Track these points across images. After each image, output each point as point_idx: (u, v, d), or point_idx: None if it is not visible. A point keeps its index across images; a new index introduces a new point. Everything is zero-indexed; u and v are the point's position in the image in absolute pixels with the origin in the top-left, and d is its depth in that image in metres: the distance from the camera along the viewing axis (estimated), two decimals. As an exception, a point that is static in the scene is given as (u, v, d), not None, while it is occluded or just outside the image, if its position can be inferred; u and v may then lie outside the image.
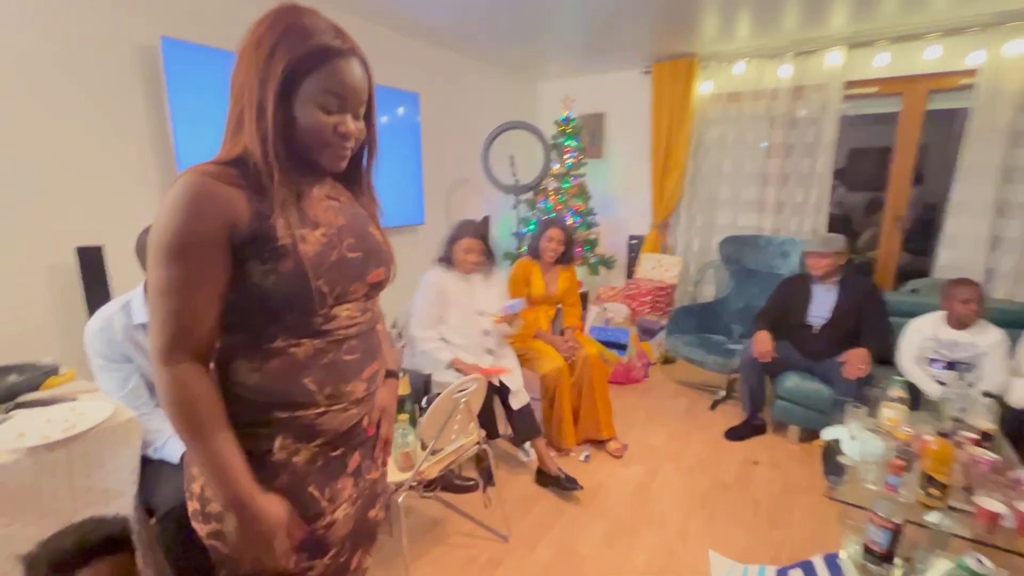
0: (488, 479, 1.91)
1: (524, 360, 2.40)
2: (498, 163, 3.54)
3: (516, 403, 2.15)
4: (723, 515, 2.02)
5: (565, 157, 3.70)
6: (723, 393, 3.09)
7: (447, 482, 2.05)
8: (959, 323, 2.20)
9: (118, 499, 1.17)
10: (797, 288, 2.67)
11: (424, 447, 1.57)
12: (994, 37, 2.74)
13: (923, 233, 3.97)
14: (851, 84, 3.19)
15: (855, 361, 2.31)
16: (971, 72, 2.85)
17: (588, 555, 1.80)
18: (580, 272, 3.72)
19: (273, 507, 0.73)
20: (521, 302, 2.26)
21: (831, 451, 1.78)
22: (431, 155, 3.36)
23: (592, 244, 3.82)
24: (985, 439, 1.58)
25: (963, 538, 1.28)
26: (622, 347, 3.24)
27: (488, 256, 2.28)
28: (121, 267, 1.85)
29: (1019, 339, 2.22)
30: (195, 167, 0.69)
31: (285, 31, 0.69)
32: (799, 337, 2.61)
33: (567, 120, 3.72)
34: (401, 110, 3.08)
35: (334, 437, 0.81)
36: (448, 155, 3.58)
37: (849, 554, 1.38)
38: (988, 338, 2.14)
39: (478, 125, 3.70)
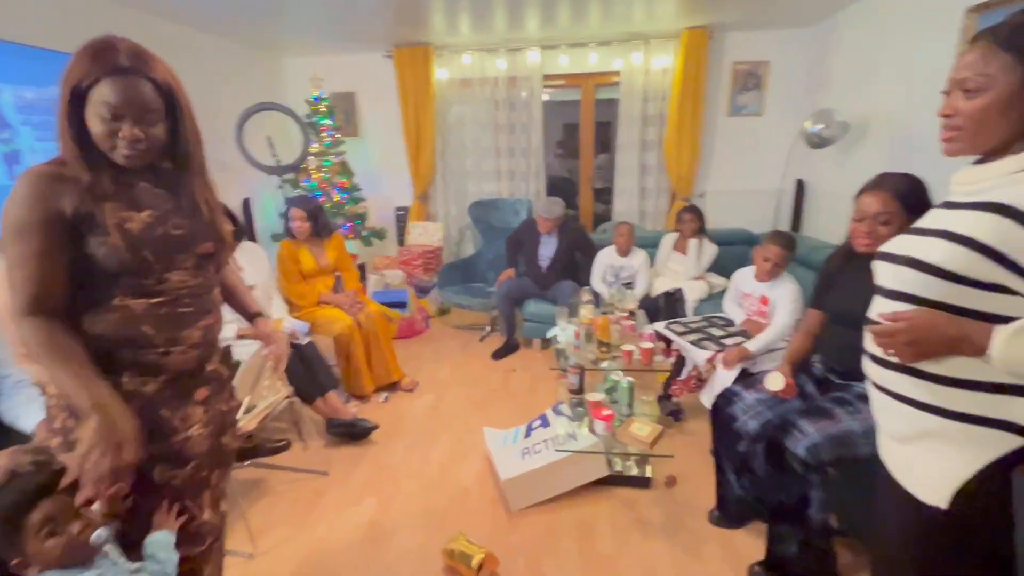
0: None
1: (315, 327, 2.65)
2: (255, 145, 3.50)
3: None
4: (494, 410, 2.71)
5: (322, 136, 3.85)
6: (488, 328, 3.85)
7: (260, 448, 2.22)
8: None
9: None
10: (528, 236, 3.50)
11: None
12: (626, 49, 3.95)
13: (607, 189, 5.43)
14: (548, 77, 4.16)
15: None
16: (617, 73, 4.05)
17: (398, 464, 2.26)
18: (355, 245, 4.00)
19: (128, 414, 0.91)
20: (305, 326, 2.48)
21: (556, 347, 2.58)
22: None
23: (362, 218, 4.11)
24: (630, 315, 2.55)
25: (617, 369, 2.14)
26: (403, 305, 3.70)
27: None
28: None
29: (656, 254, 3.44)
30: (32, 167, 0.88)
31: (80, 55, 0.87)
32: (534, 274, 3.48)
33: (319, 99, 3.85)
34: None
35: (178, 374, 1.01)
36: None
37: (562, 398, 2.14)
38: (637, 260, 3.26)
39: (225, 105, 3.54)
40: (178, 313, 0.98)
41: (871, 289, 1.39)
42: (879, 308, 0.84)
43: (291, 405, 2.10)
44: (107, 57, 0.87)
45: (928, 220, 0.83)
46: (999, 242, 0.69)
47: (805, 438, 1.39)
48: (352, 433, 2.38)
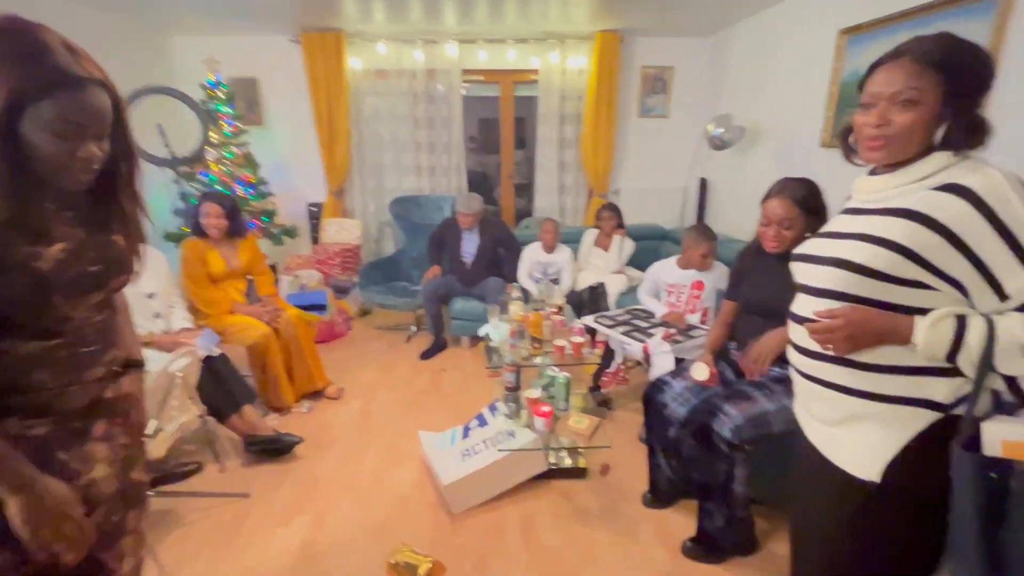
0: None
1: (226, 336, 2.42)
2: (143, 134, 3.09)
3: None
4: (426, 412, 2.65)
5: (222, 125, 3.51)
6: (414, 328, 3.76)
7: (169, 474, 1.99)
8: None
9: None
10: (450, 233, 3.46)
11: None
12: (542, 48, 4.02)
13: (530, 185, 5.51)
14: (467, 72, 4.11)
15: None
16: (535, 71, 4.11)
17: (328, 477, 2.13)
18: (264, 244, 3.70)
19: (55, 483, 0.78)
20: (213, 336, 2.23)
21: (488, 345, 2.58)
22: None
23: (270, 214, 3.81)
24: (559, 311, 2.62)
25: (551, 364, 2.19)
26: (322, 307, 3.49)
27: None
28: None
29: (578, 250, 3.55)
30: None
31: (9, 54, 0.68)
32: (458, 271, 3.44)
33: (216, 84, 3.50)
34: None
35: (72, 412, 0.84)
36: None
37: (498, 397, 2.15)
38: (563, 256, 3.34)
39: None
40: (80, 354, 0.83)
41: (778, 283, 1.55)
42: (808, 306, 0.93)
43: (204, 424, 1.90)
44: (51, 61, 0.70)
45: (841, 225, 0.94)
46: (913, 244, 0.79)
47: (730, 420, 1.52)
48: (274, 449, 2.21)
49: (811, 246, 0.98)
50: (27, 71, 0.69)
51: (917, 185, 0.83)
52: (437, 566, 1.58)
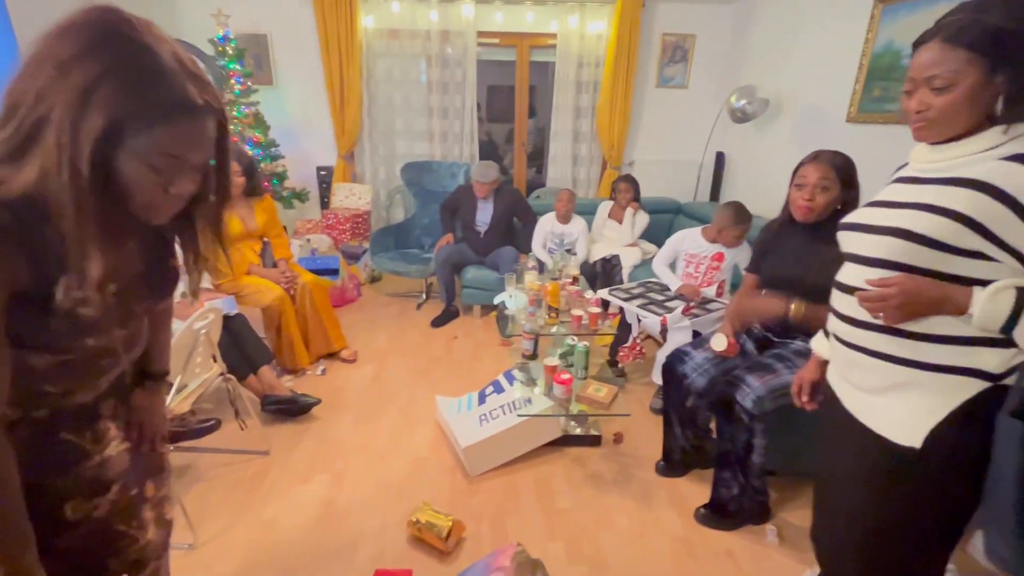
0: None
1: (241, 298, 2.41)
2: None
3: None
4: (438, 378, 2.67)
5: (231, 83, 3.43)
6: (424, 296, 3.75)
7: (187, 430, 2.01)
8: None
9: None
10: (464, 201, 3.42)
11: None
12: (562, 11, 3.89)
13: (539, 155, 5.43)
14: (482, 34, 3.99)
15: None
16: (553, 35, 3.99)
17: (345, 438, 2.17)
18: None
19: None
20: (230, 299, 2.22)
21: (501, 313, 2.58)
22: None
23: (281, 177, 3.76)
24: (574, 281, 2.61)
25: (567, 333, 2.19)
26: (334, 272, 3.48)
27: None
28: None
29: (593, 222, 3.52)
30: None
31: (114, 67, 0.56)
32: (471, 239, 3.42)
33: (224, 39, 3.41)
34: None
35: (80, 404, 0.78)
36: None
37: (512, 365, 2.16)
38: (578, 227, 3.31)
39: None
40: (97, 366, 0.75)
41: (803, 257, 1.55)
42: (858, 275, 0.92)
43: (224, 382, 1.91)
44: (164, 85, 0.59)
45: (897, 194, 0.91)
46: (977, 214, 0.78)
47: (752, 391, 1.52)
48: (292, 410, 2.23)
49: (864, 215, 0.96)
50: (134, 95, 0.57)
51: (983, 155, 0.81)
52: (457, 525, 1.62)
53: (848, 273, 0.96)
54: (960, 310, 0.80)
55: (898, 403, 0.88)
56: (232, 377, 1.91)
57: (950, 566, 1.22)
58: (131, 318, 0.77)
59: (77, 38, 0.55)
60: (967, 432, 0.83)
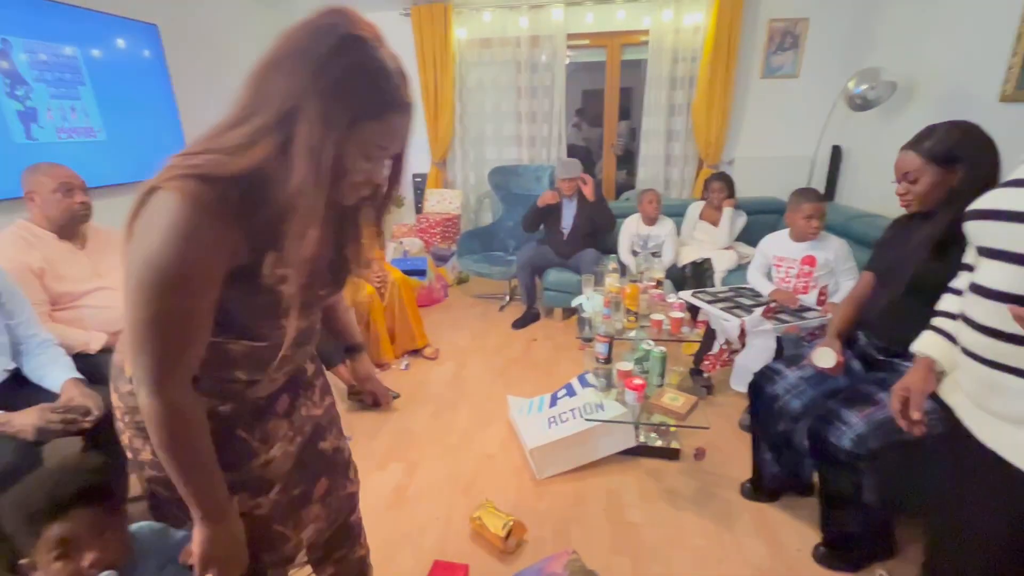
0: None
1: (336, 293, 2.61)
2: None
3: None
4: (515, 378, 2.68)
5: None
6: (507, 298, 3.80)
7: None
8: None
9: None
10: (553, 204, 3.40)
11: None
12: (655, 6, 3.74)
13: (629, 157, 5.26)
14: (572, 36, 3.96)
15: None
16: (646, 32, 3.85)
17: (421, 431, 2.24)
18: (373, 211, 3.92)
19: (239, 525, 0.78)
20: None
21: (580, 316, 2.52)
22: (187, 98, 3.06)
23: (380, 184, 4.02)
24: (658, 284, 2.47)
25: (644, 338, 2.08)
26: (422, 273, 3.65)
27: None
28: None
29: (682, 224, 3.33)
30: (186, 188, 0.60)
31: (358, 66, 0.63)
32: (555, 242, 3.39)
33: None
34: (144, 49, 2.72)
35: (257, 400, 0.83)
36: (211, 99, 3.27)
37: (588, 369, 2.09)
38: (665, 229, 3.15)
39: (235, 63, 3.45)
40: (281, 356, 0.79)
41: (907, 244, 1.34)
42: (1007, 277, 0.75)
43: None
44: (390, 85, 0.65)
45: None
46: None
47: (850, 429, 1.31)
48: (374, 401, 2.36)
49: (1010, 199, 0.77)
50: (372, 92, 0.64)
51: None
52: (518, 526, 1.59)
53: (991, 275, 0.78)
54: None
55: None
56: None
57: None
58: (315, 303, 0.82)
59: (328, 39, 0.61)
60: None
